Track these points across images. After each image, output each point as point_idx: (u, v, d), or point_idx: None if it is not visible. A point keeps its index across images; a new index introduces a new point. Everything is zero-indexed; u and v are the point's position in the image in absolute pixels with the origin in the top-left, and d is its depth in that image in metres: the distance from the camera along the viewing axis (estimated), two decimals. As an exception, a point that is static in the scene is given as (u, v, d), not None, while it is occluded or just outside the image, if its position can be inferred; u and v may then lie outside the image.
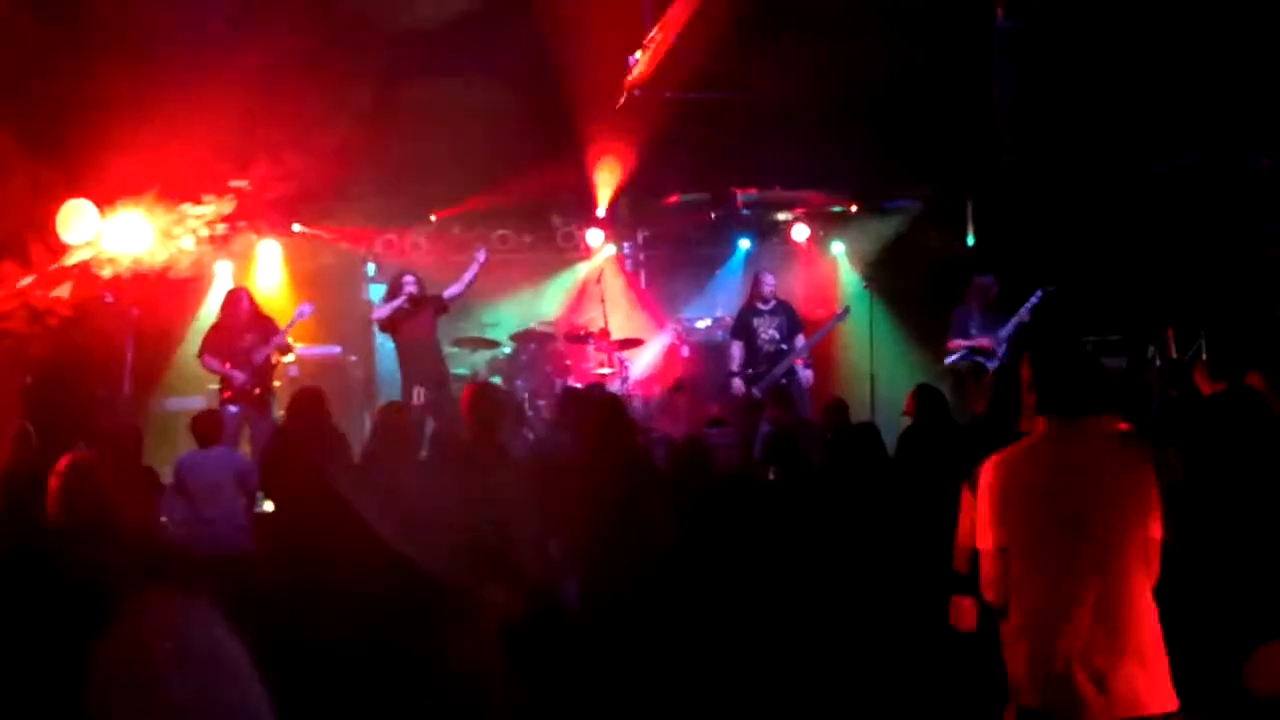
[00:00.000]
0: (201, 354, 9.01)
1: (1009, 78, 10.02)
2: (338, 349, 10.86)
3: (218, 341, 8.97)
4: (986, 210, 11.30)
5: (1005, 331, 9.19)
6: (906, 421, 6.70)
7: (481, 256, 9.67)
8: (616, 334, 10.88)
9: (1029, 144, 10.10)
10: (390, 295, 9.39)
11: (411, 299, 9.20)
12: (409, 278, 9.34)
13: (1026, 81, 9.81)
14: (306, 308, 9.17)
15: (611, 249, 12.09)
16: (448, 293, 9.46)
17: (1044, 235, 10.11)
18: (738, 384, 9.48)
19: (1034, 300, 9.22)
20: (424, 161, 10.17)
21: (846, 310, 10.06)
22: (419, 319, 9.27)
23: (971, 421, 6.93)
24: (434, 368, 9.33)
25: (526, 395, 10.09)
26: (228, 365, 8.83)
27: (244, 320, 9.00)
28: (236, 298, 9.15)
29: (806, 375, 9.63)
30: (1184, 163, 9.52)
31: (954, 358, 9.38)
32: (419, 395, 8.95)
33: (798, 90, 10.00)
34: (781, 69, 9.65)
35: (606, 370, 10.74)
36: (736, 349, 9.60)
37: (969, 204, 11.45)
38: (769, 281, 9.74)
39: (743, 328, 9.63)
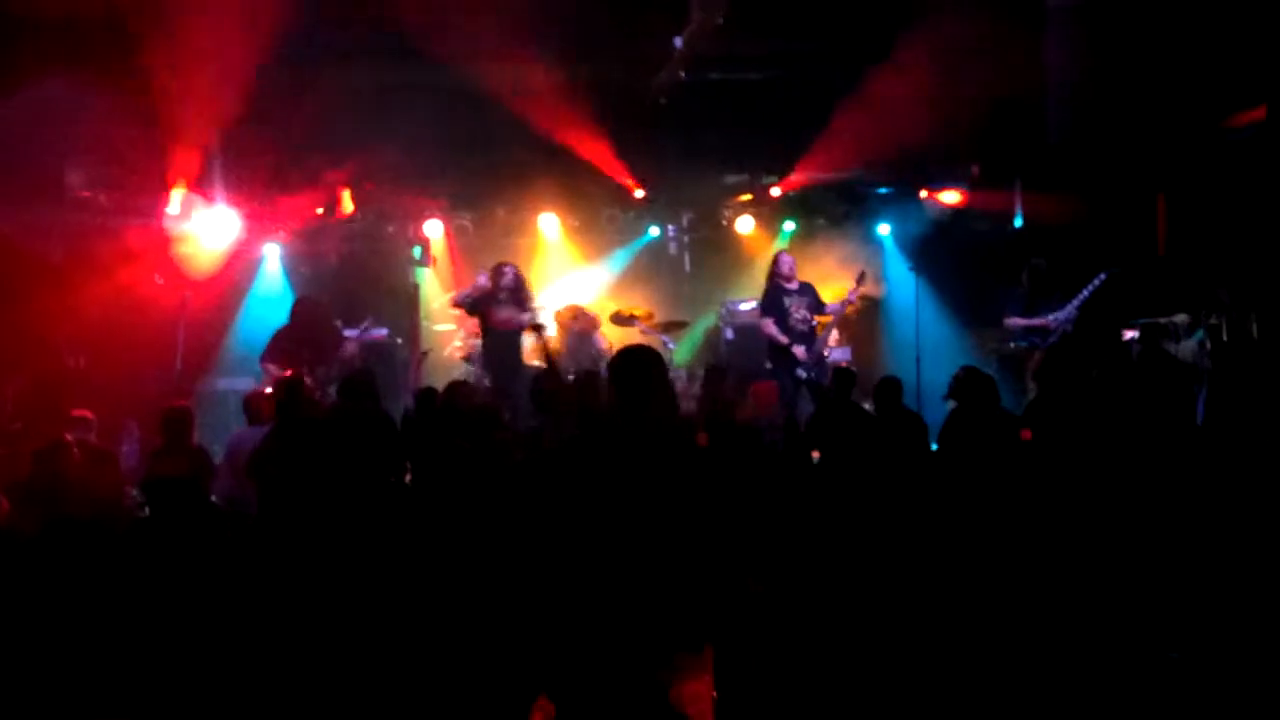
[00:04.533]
0: (263, 360, 8.92)
1: (1059, 58, 9.90)
2: (384, 331, 10.95)
3: (280, 349, 8.87)
4: (1035, 192, 11.13)
5: (1065, 314, 8.97)
6: (951, 405, 6.66)
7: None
8: (661, 316, 10.89)
9: (1079, 125, 9.96)
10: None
11: (476, 286, 9.24)
12: (507, 268, 9.35)
13: (1077, 61, 9.67)
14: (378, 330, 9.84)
15: (656, 231, 12.07)
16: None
17: (1095, 217, 9.96)
18: (799, 350, 9.32)
19: (1097, 282, 8.97)
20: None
21: (863, 275, 9.70)
22: (505, 313, 9.27)
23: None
24: (507, 358, 9.35)
25: (571, 377, 10.09)
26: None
27: (311, 332, 8.99)
28: (310, 307, 9.23)
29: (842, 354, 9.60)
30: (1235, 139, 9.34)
31: (1011, 338, 9.16)
32: (482, 380, 9.18)
33: (842, 71, 9.96)
34: (826, 50, 9.59)
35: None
36: (772, 325, 9.41)
37: (1017, 185, 11.28)
38: (789, 261, 9.60)
39: (774, 305, 9.45)
